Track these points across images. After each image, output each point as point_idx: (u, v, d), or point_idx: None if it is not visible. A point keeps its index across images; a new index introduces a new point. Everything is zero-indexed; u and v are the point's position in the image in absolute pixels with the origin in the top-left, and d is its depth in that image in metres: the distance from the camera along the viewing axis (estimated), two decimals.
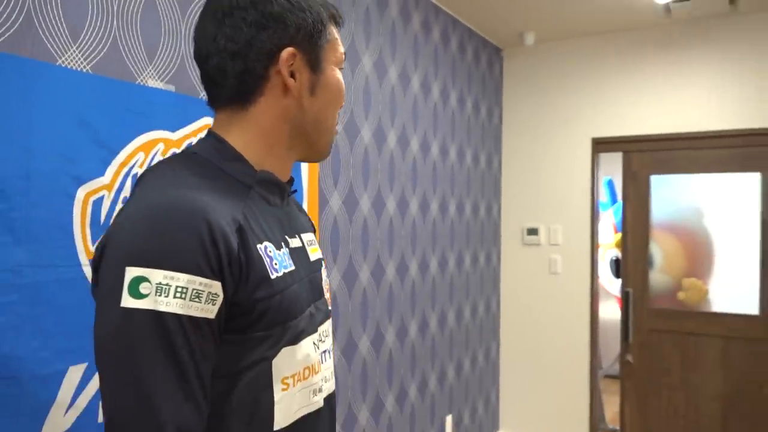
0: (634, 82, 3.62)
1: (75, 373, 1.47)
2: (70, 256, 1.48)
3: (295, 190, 0.95)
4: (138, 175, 0.84)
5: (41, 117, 1.41)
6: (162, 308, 0.66)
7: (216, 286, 0.69)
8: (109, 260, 0.70)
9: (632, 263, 3.63)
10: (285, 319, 0.78)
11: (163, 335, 0.67)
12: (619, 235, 4.30)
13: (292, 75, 0.81)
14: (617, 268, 4.38)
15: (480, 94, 3.72)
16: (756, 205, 3.32)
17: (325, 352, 0.88)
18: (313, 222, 1.06)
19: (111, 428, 0.67)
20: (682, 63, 3.48)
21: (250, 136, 0.82)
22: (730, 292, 3.38)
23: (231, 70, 0.79)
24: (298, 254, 0.85)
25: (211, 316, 0.70)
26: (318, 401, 0.86)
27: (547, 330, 3.87)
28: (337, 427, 2.46)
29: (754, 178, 3.33)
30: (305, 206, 2.25)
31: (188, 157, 0.82)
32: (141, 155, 1.66)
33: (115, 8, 1.59)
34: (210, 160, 0.80)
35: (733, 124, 3.34)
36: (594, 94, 3.75)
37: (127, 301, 0.67)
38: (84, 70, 1.52)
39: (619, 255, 4.28)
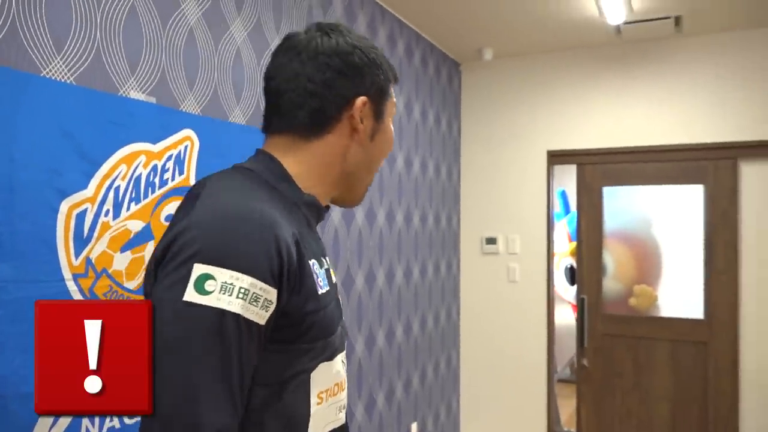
0: (587, 98, 3.79)
1: None
2: (53, 271, 1.45)
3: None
4: (196, 183, 0.87)
5: (25, 128, 1.39)
6: (224, 306, 0.70)
7: (273, 294, 0.74)
8: (178, 256, 0.73)
9: (587, 271, 3.79)
10: (325, 335, 0.83)
11: (220, 332, 0.70)
12: (574, 244, 4.47)
13: (361, 120, 0.90)
14: (572, 275, 4.55)
15: (440, 107, 3.81)
16: (699, 215, 3.53)
17: (346, 369, 0.94)
18: None
19: (152, 415, 0.69)
20: (632, 80, 3.67)
21: (307, 166, 0.89)
22: (677, 298, 3.58)
23: (307, 106, 0.86)
24: (328, 275, 0.90)
25: (262, 321, 0.74)
26: (342, 418, 0.90)
27: (506, 337, 3.97)
28: None
29: (698, 190, 3.54)
30: None
31: (245, 172, 0.86)
32: (123, 167, 1.64)
33: (98, 20, 1.57)
34: (264, 177, 0.86)
35: (679, 139, 3.55)
36: (549, 109, 3.90)
37: (192, 296, 0.70)
38: (68, 82, 1.50)
39: (574, 263, 4.45)
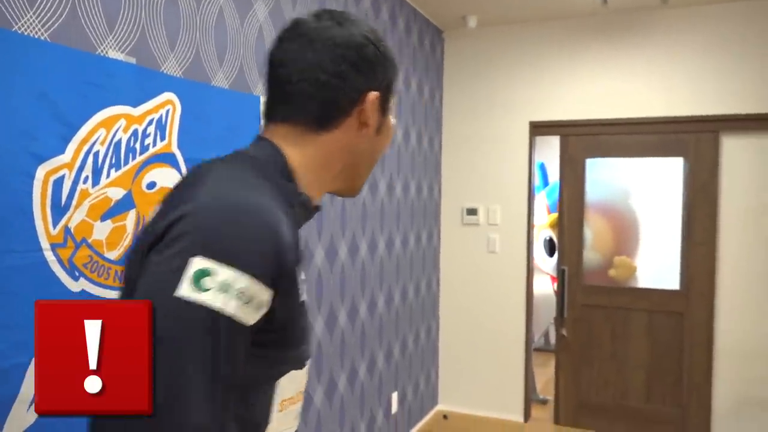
0: (571, 69, 3.75)
1: None
2: (30, 241, 1.37)
3: None
4: (198, 166, 0.83)
5: None
6: (218, 305, 0.66)
7: (267, 295, 0.70)
8: (175, 244, 0.68)
9: (568, 242, 3.80)
10: (300, 343, 0.81)
11: (212, 332, 0.66)
12: (553, 216, 4.49)
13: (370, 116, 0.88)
14: (551, 247, 4.58)
15: (423, 75, 3.74)
16: (679, 187, 3.55)
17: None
18: None
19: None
20: (616, 52, 3.64)
21: (311, 159, 0.85)
22: (655, 270, 3.63)
23: (318, 97, 0.83)
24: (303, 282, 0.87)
25: (252, 322, 0.70)
26: (296, 425, 0.90)
27: (485, 307, 3.99)
28: None
29: (678, 163, 3.56)
30: None
31: (250, 161, 0.82)
32: (102, 132, 1.55)
33: None
34: (268, 170, 0.82)
35: (662, 111, 3.55)
36: (533, 79, 3.85)
37: (187, 292, 0.66)
38: (42, 38, 1.40)
39: (552, 235, 4.48)
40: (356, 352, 2.97)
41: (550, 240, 4.56)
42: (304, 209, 0.86)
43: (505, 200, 3.95)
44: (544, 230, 4.63)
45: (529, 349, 3.94)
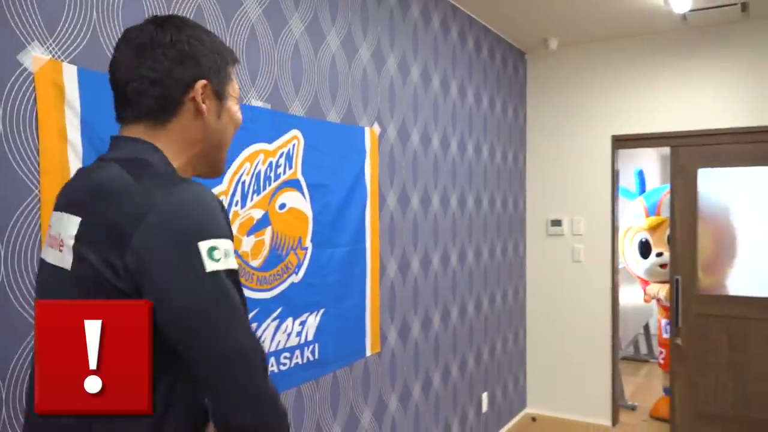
0: (652, 83, 3.88)
1: None
2: None
3: None
4: (91, 179, 0.97)
5: None
6: (232, 266, 0.88)
7: (233, 247, 0.92)
8: (171, 240, 0.85)
9: (681, 252, 3.84)
10: None
11: (235, 285, 0.89)
12: (651, 219, 4.58)
13: (204, 101, 1.00)
14: (645, 249, 4.63)
15: (507, 96, 3.99)
16: None
17: None
18: None
19: (231, 361, 0.85)
20: (698, 66, 3.74)
21: (174, 151, 0.99)
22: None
23: (150, 94, 0.97)
24: None
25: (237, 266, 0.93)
26: None
27: (571, 315, 4.15)
28: (394, 398, 2.77)
29: None
30: (368, 206, 2.54)
31: (141, 162, 0.96)
32: (247, 165, 1.95)
33: (228, 41, 1.87)
34: (160, 164, 0.97)
35: (751, 122, 3.61)
36: (613, 95, 4.01)
37: (211, 266, 0.85)
38: None
39: (648, 237, 4.56)
40: (449, 352, 3.25)
41: (645, 242, 4.63)
42: None
43: (588, 211, 4.11)
44: (640, 232, 4.69)
45: (616, 354, 4.06)
